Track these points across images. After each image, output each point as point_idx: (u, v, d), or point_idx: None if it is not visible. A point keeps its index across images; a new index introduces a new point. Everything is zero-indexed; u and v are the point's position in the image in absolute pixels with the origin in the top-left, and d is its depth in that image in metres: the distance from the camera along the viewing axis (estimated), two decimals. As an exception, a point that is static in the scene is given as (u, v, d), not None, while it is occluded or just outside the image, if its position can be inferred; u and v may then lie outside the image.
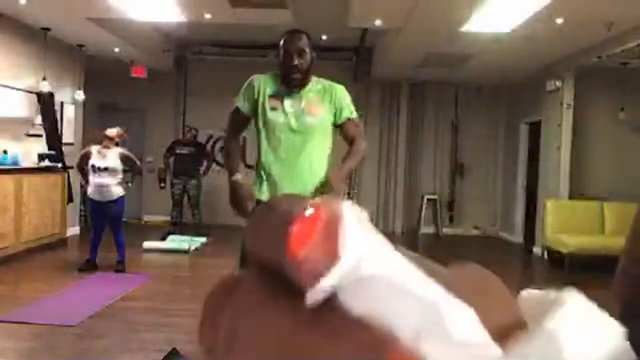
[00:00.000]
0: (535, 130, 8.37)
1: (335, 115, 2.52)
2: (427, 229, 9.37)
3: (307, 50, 2.44)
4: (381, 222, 9.47)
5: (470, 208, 9.63)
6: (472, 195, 9.62)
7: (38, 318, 3.89)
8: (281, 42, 2.46)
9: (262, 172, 2.49)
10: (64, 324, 3.77)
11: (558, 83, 7.29)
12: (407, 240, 8.95)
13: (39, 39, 6.74)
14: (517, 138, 8.95)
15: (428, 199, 9.39)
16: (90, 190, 5.40)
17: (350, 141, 2.56)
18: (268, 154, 2.48)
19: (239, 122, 2.59)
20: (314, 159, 2.47)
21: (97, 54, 7.99)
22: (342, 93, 2.54)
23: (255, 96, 2.49)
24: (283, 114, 2.45)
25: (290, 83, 2.45)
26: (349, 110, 2.55)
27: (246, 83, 2.56)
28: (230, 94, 10.89)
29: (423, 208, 9.37)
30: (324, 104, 2.49)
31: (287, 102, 2.47)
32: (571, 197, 7.36)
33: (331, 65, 7.77)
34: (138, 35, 7.38)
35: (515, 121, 9.08)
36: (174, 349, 3.25)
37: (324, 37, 7.80)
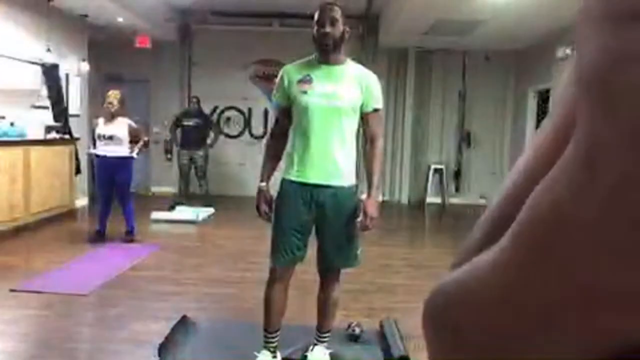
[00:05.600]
0: (544, 98, 8.26)
1: (363, 103, 2.55)
2: (433, 199, 9.38)
3: (340, 20, 2.51)
4: (387, 192, 9.48)
5: (477, 177, 9.61)
6: (479, 165, 9.59)
7: (50, 287, 3.96)
8: (315, 15, 2.53)
9: (293, 153, 2.56)
10: (76, 293, 3.84)
11: (568, 50, 7.16)
12: (413, 210, 8.98)
13: (41, 9, 6.67)
14: (526, 107, 8.85)
15: (434, 169, 9.37)
16: (100, 151, 5.39)
17: (371, 139, 2.62)
18: (298, 136, 2.55)
19: (280, 115, 2.66)
20: (343, 141, 2.52)
21: (100, 24, 7.91)
22: (374, 82, 2.59)
23: (286, 85, 2.56)
24: (313, 96, 2.49)
25: (323, 50, 2.51)
26: (377, 101, 2.59)
27: (278, 75, 2.64)
28: (235, 63, 10.77)
29: (429, 178, 9.36)
30: (355, 89, 2.53)
31: (318, 85, 2.50)
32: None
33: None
34: (142, 4, 7.28)
35: (523, 89, 8.97)
36: (184, 316, 3.33)
37: (329, 5, 7.67)
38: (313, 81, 2.50)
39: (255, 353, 2.72)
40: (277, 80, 2.64)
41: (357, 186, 2.65)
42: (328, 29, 2.46)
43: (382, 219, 8.82)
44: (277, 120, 2.70)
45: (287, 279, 2.63)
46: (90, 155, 5.81)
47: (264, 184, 2.60)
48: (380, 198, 2.69)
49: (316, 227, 2.61)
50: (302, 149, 2.52)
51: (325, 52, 2.50)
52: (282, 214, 2.56)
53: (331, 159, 2.50)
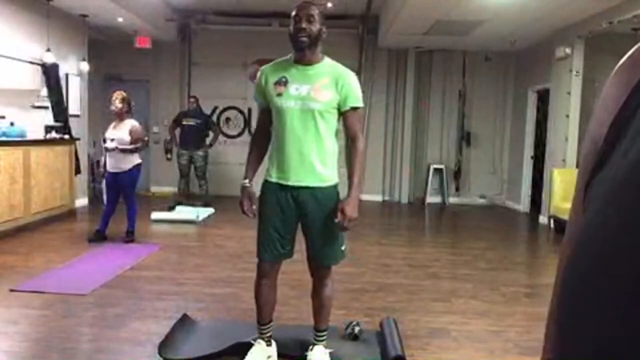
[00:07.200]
0: (543, 98, 8.27)
1: (339, 102, 2.54)
2: (433, 199, 9.39)
3: (317, 18, 2.51)
4: (387, 192, 9.48)
5: (477, 177, 9.61)
6: (478, 164, 9.60)
7: (50, 287, 3.96)
8: (292, 12, 2.53)
9: (272, 155, 2.61)
10: (76, 293, 3.85)
11: (568, 50, 7.17)
12: (413, 210, 8.98)
13: (41, 9, 6.68)
14: (525, 106, 8.86)
15: (434, 169, 9.38)
16: (107, 163, 5.43)
17: (351, 139, 2.60)
18: (276, 139, 2.58)
19: (262, 114, 2.70)
20: (320, 143, 2.53)
21: (100, 24, 7.91)
22: (350, 80, 2.57)
23: (263, 85, 2.59)
24: (287, 99, 2.51)
25: (298, 47, 2.50)
26: (354, 99, 2.57)
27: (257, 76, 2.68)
28: (235, 63, 10.75)
29: (429, 178, 9.36)
30: (330, 89, 2.52)
31: (292, 87, 2.51)
32: (579, 166, 7.32)
33: (337, 34, 7.66)
34: (141, 4, 7.28)
35: (523, 89, 8.97)
36: (184, 315, 3.33)
37: (329, 5, 7.68)
38: (288, 83, 2.52)
39: (252, 341, 2.77)
40: (257, 77, 2.68)
41: (337, 184, 2.64)
42: (304, 25, 2.47)
43: (382, 218, 8.73)
44: (259, 119, 2.75)
45: (274, 273, 2.71)
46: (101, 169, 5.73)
47: (246, 180, 2.66)
48: (360, 197, 2.66)
49: (301, 226, 2.66)
50: (279, 151, 2.56)
51: (301, 50, 2.50)
52: (264, 213, 2.63)
53: (307, 161, 2.52)
